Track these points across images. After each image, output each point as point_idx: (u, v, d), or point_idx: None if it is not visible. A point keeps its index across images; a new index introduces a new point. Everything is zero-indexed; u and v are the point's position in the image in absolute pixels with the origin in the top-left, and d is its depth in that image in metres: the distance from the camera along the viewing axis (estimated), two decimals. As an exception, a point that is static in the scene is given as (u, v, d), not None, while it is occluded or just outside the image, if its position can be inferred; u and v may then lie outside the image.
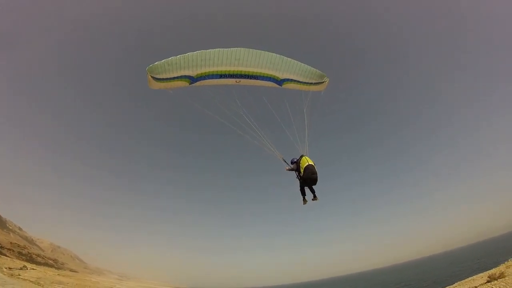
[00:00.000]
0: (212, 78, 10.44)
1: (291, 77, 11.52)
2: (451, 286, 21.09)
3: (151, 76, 9.34)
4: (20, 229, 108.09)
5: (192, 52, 9.47)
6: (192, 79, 10.15)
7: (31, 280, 30.60)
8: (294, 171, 10.88)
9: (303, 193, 10.83)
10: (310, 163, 10.23)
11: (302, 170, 10.23)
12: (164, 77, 9.63)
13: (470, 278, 20.93)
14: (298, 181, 10.80)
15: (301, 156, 10.68)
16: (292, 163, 11.02)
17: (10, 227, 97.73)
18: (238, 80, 10.90)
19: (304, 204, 10.91)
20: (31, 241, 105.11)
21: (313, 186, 10.52)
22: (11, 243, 60.23)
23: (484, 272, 19.79)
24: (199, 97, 11.32)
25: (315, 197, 10.61)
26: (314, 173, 10.04)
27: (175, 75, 9.73)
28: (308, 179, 10.11)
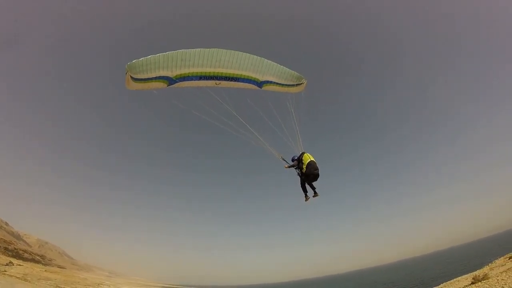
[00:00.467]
0: (192, 79, 10.17)
1: (271, 79, 11.65)
2: (436, 287, 21.62)
3: (130, 76, 8.84)
4: (6, 224, 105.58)
5: (171, 51, 9.15)
6: (170, 81, 9.79)
7: (17, 276, 30.05)
8: (294, 169, 11.06)
9: (305, 190, 10.96)
10: (312, 159, 10.46)
11: (304, 167, 10.39)
12: (142, 77, 9.18)
13: (455, 279, 21.46)
14: (299, 179, 11.01)
15: (303, 153, 10.85)
16: (293, 160, 11.20)
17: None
18: (218, 82, 10.69)
19: (306, 201, 11.01)
20: (18, 237, 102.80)
21: (314, 183, 10.70)
22: (-4, 238, 58.90)
23: (469, 274, 20.33)
24: (185, 97, 11.14)
25: (315, 194, 10.78)
26: (317, 168, 10.24)
27: (153, 75, 9.32)
28: (311, 174, 10.23)
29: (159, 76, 9.45)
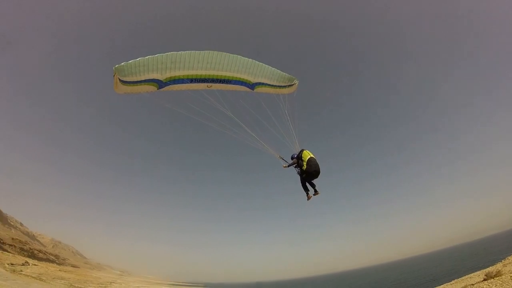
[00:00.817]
0: (183, 82, 10.02)
1: (263, 80, 11.67)
2: (448, 283, 21.31)
3: (118, 79, 8.59)
4: (21, 224, 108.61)
5: (161, 54, 9.03)
6: (160, 83, 9.61)
7: (33, 276, 30.93)
8: (294, 167, 10.94)
9: (306, 189, 10.76)
10: (312, 156, 10.34)
11: (305, 163, 10.26)
12: (131, 80, 8.92)
13: (467, 276, 21.12)
14: (299, 177, 10.84)
15: (302, 150, 10.73)
16: (292, 159, 11.05)
17: (12, 223, 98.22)
18: (209, 84, 10.60)
19: (308, 199, 10.79)
20: (32, 237, 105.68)
21: (314, 180, 10.54)
22: (12, 238, 60.61)
23: (481, 270, 20.00)
24: (180, 99, 11.10)
25: (316, 192, 10.63)
26: (317, 165, 10.11)
27: (143, 78, 9.09)
28: (313, 171, 10.08)
29: (149, 79, 9.29)
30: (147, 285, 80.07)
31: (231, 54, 10.15)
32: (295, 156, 10.99)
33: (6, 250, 48.51)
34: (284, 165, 11.12)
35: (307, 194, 10.79)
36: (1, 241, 51.85)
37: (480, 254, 62.43)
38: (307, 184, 10.74)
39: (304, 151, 10.61)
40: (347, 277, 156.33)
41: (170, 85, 9.90)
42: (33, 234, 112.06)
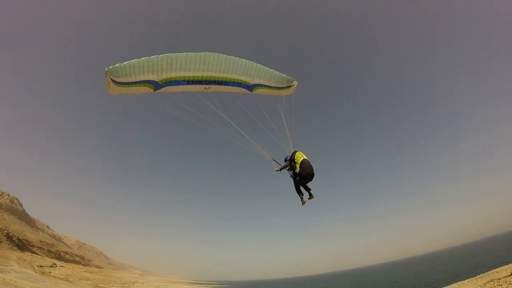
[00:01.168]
0: (179, 84, 9.88)
1: (261, 82, 11.53)
2: (473, 278, 20.62)
3: (111, 79, 8.46)
4: (48, 227, 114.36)
5: (157, 55, 8.90)
6: (156, 85, 9.50)
7: (60, 277, 32.47)
8: (286, 170, 10.45)
9: (300, 193, 10.21)
10: (305, 157, 9.83)
11: (298, 166, 9.74)
12: (125, 81, 8.78)
13: (493, 270, 20.36)
14: (293, 181, 10.35)
15: (295, 152, 10.22)
16: (285, 161, 10.59)
17: (39, 226, 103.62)
18: (207, 86, 10.47)
19: (303, 204, 10.24)
20: (59, 239, 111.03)
21: (309, 183, 9.98)
22: (40, 241, 63.90)
23: (509, 265, 19.21)
24: (176, 100, 10.97)
25: (311, 196, 10.16)
26: (311, 167, 9.60)
27: (138, 79, 8.97)
28: (307, 174, 9.53)
29: (144, 80, 9.17)
30: (168, 284, 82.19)
31: (228, 56, 10.00)
32: (288, 158, 10.45)
33: (35, 253, 51.19)
34: (276, 168, 10.57)
35: (302, 198, 10.20)
36: (30, 244, 54.75)
37: (508, 248, 59.73)
38: (302, 188, 10.17)
39: (297, 153, 10.05)
40: (367, 273, 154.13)
41: (166, 87, 9.80)
42: (59, 236, 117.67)
